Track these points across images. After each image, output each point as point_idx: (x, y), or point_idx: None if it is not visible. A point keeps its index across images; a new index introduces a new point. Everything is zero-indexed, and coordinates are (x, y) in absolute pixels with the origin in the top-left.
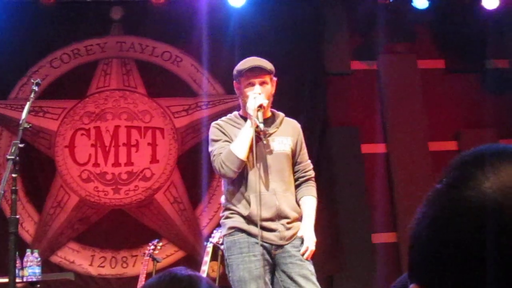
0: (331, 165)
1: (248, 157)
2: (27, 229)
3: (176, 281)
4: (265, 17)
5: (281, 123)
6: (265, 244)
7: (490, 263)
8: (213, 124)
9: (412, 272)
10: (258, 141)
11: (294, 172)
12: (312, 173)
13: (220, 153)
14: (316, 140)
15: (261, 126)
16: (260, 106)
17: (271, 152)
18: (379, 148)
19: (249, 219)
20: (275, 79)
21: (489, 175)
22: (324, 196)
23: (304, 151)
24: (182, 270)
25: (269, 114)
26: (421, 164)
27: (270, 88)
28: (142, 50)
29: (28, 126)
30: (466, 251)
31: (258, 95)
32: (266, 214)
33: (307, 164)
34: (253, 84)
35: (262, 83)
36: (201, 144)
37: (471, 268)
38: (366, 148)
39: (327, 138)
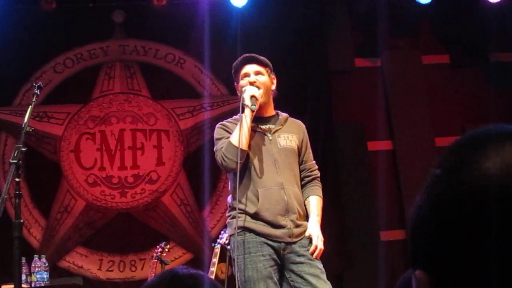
0: (337, 163)
1: (249, 147)
2: (35, 234)
3: (177, 279)
4: (267, 16)
5: (285, 121)
6: (273, 244)
7: (495, 244)
8: (218, 124)
9: (416, 259)
10: (264, 137)
11: (300, 172)
12: (317, 173)
13: (222, 147)
14: (322, 138)
15: (253, 107)
16: (253, 96)
17: (277, 147)
18: (385, 145)
19: (256, 217)
20: (273, 76)
21: (490, 155)
22: (331, 195)
23: (309, 151)
24: (183, 269)
25: (273, 112)
26: (428, 159)
27: (266, 79)
28: (145, 53)
29: (30, 130)
30: (471, 235)
31: (249, 86)
32: (274, 209)
33: (312, 164)
34: (248, 75)
35: (257, 73)
36: (206, 145)
37: (477, 251)
38: (372, 145)
39: (333, 136)
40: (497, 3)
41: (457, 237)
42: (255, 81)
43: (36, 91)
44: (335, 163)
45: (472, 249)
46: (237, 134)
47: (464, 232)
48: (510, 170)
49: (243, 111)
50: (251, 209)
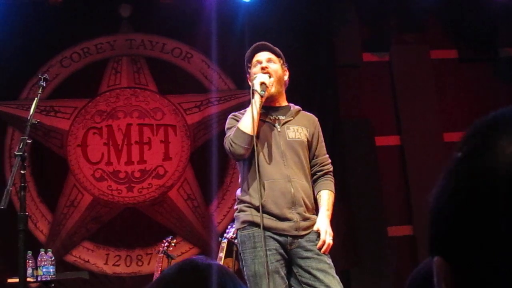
0: (345, 158)
1: (257, 137)
2: (41, 229)
3: (197, 271)
4: (275, 10)
5: (297, 114)
6: (279, 238)
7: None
8: (230, 115)
9: (434, 246)
10: (273, 128)
11: (312, 166)
12: (330, 167)
13: (230, 135)
14: (329, 133)
15: (262, 93)
16: (263, 83)
17: (285, 139)
18: (393, 140)
19: (262, 209)
20: (286, 68)
21: None
22: (338, 190)
23: (322, 144)
24: (202, 259)
25: (285, 103)
26: (436, 155)
27: (278, 68)
28: (152, 47)
29: (35, 122)
30: (494, 223)
31: (260, 74)
32: (281, 201)
33: (324, 158)
34: (260, 62)
35: (268, 61)
36: (213, 140)
37: (499, 240)
38: (380, 141)
39: (340, 130)
40: None
41: (479, 226)
42: (267, 67)
43: (41, 83)
44: (342, 158)
45: (495, 239)
46: (245, 119)
47: (486, 221)
48: None
49: (253, 97)
50: (258, 202)
